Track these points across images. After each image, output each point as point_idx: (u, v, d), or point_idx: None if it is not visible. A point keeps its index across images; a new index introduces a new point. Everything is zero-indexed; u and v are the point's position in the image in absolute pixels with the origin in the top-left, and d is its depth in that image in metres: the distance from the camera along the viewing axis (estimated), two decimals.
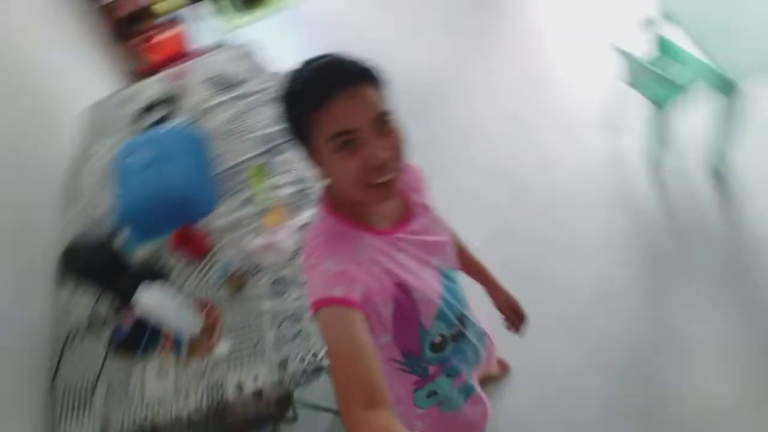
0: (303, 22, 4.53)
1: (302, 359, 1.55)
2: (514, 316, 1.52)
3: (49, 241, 1.99)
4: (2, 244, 1.90)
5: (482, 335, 1.40)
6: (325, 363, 1.55)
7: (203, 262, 1.88)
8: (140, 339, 1.72)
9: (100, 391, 1.69)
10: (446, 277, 1.16)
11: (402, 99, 3.60)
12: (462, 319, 1.23)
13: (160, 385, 1.65)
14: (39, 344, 1.86)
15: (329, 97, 0.86)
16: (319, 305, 0.90)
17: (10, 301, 1.83)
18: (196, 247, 1.89)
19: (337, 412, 2.16)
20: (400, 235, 1.07)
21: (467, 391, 1.34)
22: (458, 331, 1.22)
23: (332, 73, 0.89)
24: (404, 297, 1.03)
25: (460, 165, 3.10)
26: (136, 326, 1.71)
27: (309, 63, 0.92)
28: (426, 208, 1.17)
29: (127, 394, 1.66)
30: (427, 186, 1.23)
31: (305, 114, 0.89)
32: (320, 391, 2.19)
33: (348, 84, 0.87)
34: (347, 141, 0.88)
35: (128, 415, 1.61)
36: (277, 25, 4.55)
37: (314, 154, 0.94)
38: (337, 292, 0.89)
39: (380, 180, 0.91)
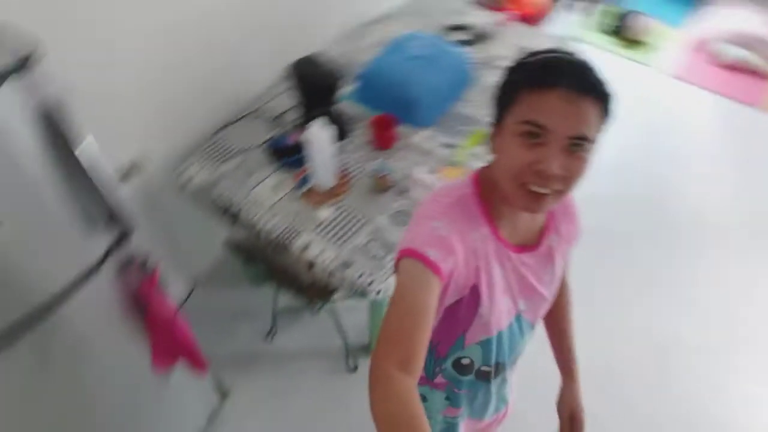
0: (640, 92, 4.11)
1: (361, 275, 1.57)
2: (569, 428, 1.32)
3: (306, 45, 2.23)
4: (280, 34, 2.24)
5: (503, 401, 1.28)
6: (371, 296, 1.55)
7: (376, 152, 1.97)
8: (289, 156, 1.89)
9: (233, 162, 1.92)
10: (519, 323, 1.07)
11: (653, 224, 3.08)
12: (499, 367, 1.13)
13: (267, 194, 1.82)
14: (233, 100, 2.15)
15: (555, 87, 0.81)
16: (409, 254, 0.88)
17: (251, 65, 2.17)
18: (383, 138, 1.98)
19: (348, 348, 2.19)
20: (511, 253, 0.99)
21: (449, 428, 1.26)
22: (487, 373, 1.13)
23: (575, 71, 0.83)
24: (469, 302, 0.97)
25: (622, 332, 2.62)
26: (295, 146, 1.87)
27: (566, 53, 0.87)
28: (552, 256, 1.06)
29: (245, 179, 1.86)
30: (573, 242, 1.12)
31: (523, 86, 0.85)
32: (354, 322, 2.23)
33: (579, 90, 0.81)
34: (535, 134, 0.83)
35: (231, 192, 1.82)
36: (615, 71, 4.20)
37: (499, 127, 0.90)
38: (432, 254, 0.87)
39: (535, 188, 0.85)
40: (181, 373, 1.72)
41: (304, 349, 2.31)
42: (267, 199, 1.80)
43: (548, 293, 1.08)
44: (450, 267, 0.89)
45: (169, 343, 1.51)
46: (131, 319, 1.45)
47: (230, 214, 1.80)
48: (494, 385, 1.18)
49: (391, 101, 2.08)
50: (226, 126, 2.05)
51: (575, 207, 1.11)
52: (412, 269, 0.87)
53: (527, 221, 1.01)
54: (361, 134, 2.03)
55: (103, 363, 1.47)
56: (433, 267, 0.86)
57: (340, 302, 2.13)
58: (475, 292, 0.96)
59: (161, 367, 1.55)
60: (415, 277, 0.86)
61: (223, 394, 2.09)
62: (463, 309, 0.98)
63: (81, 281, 1.23)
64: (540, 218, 1.04)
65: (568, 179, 0.85)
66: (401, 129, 2.04)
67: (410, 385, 0.76)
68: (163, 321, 1.45)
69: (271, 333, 2.31)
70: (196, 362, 1.61)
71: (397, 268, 0.92)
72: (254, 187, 1.83)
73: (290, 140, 1.91)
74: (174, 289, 2.29)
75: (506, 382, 1.23)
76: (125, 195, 1.67)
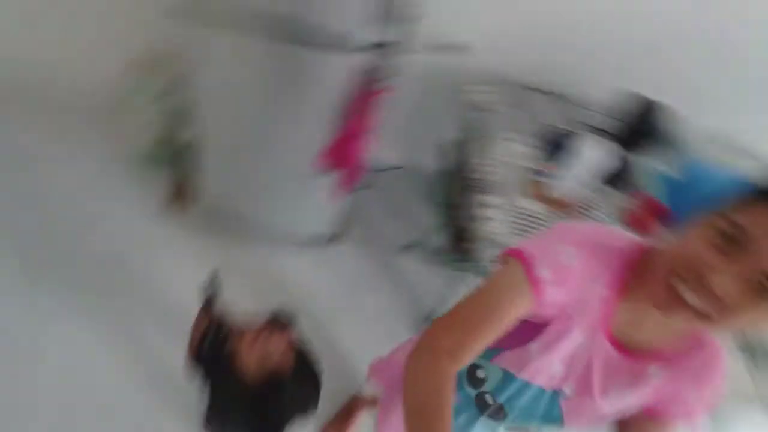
0: None
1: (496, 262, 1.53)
2: None
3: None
4: None
5: None
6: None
7: (619, 218, 1.82)
8: (556, 148, 1.85)
9: (514, 113, 1.98)
10: (552, 400, 0.94)
11: None
12: (499, 412, 1.02)
13: (509, 152, 1.85)
14: (569, 82, 2.14)
15: None
16: (521, 258, 0.83)
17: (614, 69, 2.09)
18: (639, 218, 1.79)
19: (429, 318, 2.17)
20: (604, 337, 0.85)
21: None
22: (487, 405, 1.04)
23: None
24: (530, 330, 0.89)
25: None
26: (568, 147, 1.82)
27: None
28: (638, 384, 0.88)
29: (507, 129, 1.92)
30: (689, 410, 0.91)
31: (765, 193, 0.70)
32: None
33: None
34: (733, 241, 0.68)
35: (487, 125, 1.90)
36: None
37: (702, 217, 0.74)
38: (544, 274, 0.80)
39: (682, 288, 0.71)
40: (324, 190, 1.91)
41: (407, 284, 2.34)
42: (505, 154, 1.82)
43: (602, 406, 0.91)
44: (551, 296, 0.81)
45: (343, 150, 1.65)
46: (341, 108, 1.60)
47: (470, 136, 1.87)
48: (482, 423, 1.08)
49: (687, 207, 1.85)
50: (541, 92, 2.08)
51: (719, 380, 0.89)
52: (516, 274, 0.82)
53: (652, 328, 0.85)
54: (626, 197, 1.87)
55: (295, 119, 1.69)
56: (535, 286, 0.80)
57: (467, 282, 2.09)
58: (542, 329, 0.87)
59: (322, 163, 1.71)
60: (513, 283, 0.82)
61: (330, 239, 2.28)
62: (520, 330, 0.89)
63: (339, 45, 1.41)
64: (666, 339, 0.86)
65: (723, 311, 0.69)
66: (661, 228, 1.82)
67: (451, 373, 0.76)
68: (355, 130, 1.59)
69: (405, 248, 2.40)
70: (344, 183, 1.74)
71: (502, 261, 0.88)
72: (507, 139, 1.87)
73: (559, 137, 1.87)
74: (388, 155, 2.50)
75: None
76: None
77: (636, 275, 0.82)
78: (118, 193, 2.24)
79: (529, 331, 0.89)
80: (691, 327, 0.83)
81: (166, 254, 2.10)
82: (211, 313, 1.48)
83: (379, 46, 1.47)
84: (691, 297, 0.70)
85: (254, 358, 1.22)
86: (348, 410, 1.89)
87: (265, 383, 1.22)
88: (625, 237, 0.88)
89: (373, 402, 1.72)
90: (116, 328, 1.89)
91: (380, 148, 2.47)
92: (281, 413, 1.26)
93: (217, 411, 1.39)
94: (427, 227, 2.31)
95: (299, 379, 1.28)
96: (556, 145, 1.85)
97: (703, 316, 0.70)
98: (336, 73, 1.53)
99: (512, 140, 1.87)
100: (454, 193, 1.94)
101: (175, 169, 2.25)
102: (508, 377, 0.96)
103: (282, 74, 1.55)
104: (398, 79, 1.60)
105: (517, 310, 0.81)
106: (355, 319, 2.17)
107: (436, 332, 0.81)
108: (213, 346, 1.40)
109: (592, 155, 1.63)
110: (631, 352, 0.86)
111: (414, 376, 0.78)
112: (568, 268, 0.81)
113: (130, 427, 1.73)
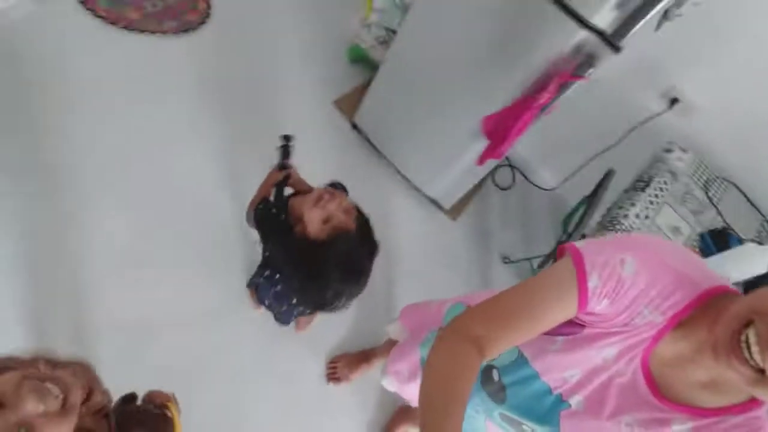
0: None
1: None
2: None
3: None
4: None
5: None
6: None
7: None
8: (714, 240, 1.68)
9: (694, 197, 1.79)
10: (554, 404, 0.85)
11: None
12: (499, 391, 0.96)
13: (665, 218, 1.70)
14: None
15: None
16: (576, 258, 0.76)
17: None
18: None
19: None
20: (639, 365, 0.75)
21: None
22: (491, 379, 0.98)
23: None
24: (565, 326, 0.82)
25: None
26: (720, 241, 1.67)
27: None
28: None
29: (673, 199, 1.75)
30: None
31: None
32: None
33: None
34: None
35: (655, 178, 1.76)
36: None
37: None
38: (593, 281, 0.73)
39: (753, 346, 0.61)
40: (469, 159, 1.89)
41: (484, 285, 2.27)
42: (662, 220, 1.68)
43: (607, 429, 0.79)
44: (595, 307, 0.75)
45: (507, 120, 1.61)
46: (536, 78, 1.55)
47: (640, 186, 1.75)
48: (481, 400, 1.00)
49: None
50: (738, 189, 1.86)
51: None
52: (566, 275, 0.76)
53: (695, 379, 0.73)
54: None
55: (489, 72, 1.65)
56: (582, 292, 0.74)
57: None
58: (576, 327, 0.81)
59: (483, 125, 1.69)
60: (560, 284, 0.77)
61: (448, 212, 2.29)
62: (566, 326, 0.82)
63: (579, 16, 1.35)
64: (707, 398, 0.73)
65: None
66: None
67: (474, 360, 0.74)
68: (529, 104, 1.54)
69: (506, 259, 2.32)
70: (490, 152, 1.71)
71: (558, 256, 0.83)
72: (672, 208, 1.71)
73: (736, 239, 1.66)
74: (546, 175, 2.40)
75: (482, 417, 1.03)
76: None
77: (701, 312, 0.71)
78: (314, 69, 2.40)
79: (563, 324, 0.81)
80: (740, 388, 0.70)
81: (313, 133, 2.22)
82: (283, 170, 1.52)
83: (604, 36, 1.40)
84: (756, 352, 0.61)
85: (318, 215, 1.25)
86: (365, 355, 1.90)
87: (328, 238, 1.24)
88: (707, 272, 0.76)
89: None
90: (237, 166, 2.07)
91: (541, 166, 2.40)
92: (332, 270, 1.25)
93: (266, 264, 1.47)
94: (538, 254, 2.20)
95: (358, 241, 1.28)
96: (716, 239, 1.66)
97: (759, 376, 0.62)
98: (560, 40, 1.43)
99: (677, 213, 1.71)
100: (586, 222, 1.81)
101: (365, 76, 2.37)
102: (521, 361, 0.90)
103: (509, 20, 1.50)
104: (596, 80, 1.51)
105: (559, 312, 0.76)
106: (418, 283, 2.15)
107: (472, 318, 0.79)
108: (277, 201, 1.46)
109: (750, 252, 1.42)
110: (663, 396, 0.75)
111: (437, 356, 0.77)
112: (623, 282, 0.72)
113: (197, 244, 1.91)
